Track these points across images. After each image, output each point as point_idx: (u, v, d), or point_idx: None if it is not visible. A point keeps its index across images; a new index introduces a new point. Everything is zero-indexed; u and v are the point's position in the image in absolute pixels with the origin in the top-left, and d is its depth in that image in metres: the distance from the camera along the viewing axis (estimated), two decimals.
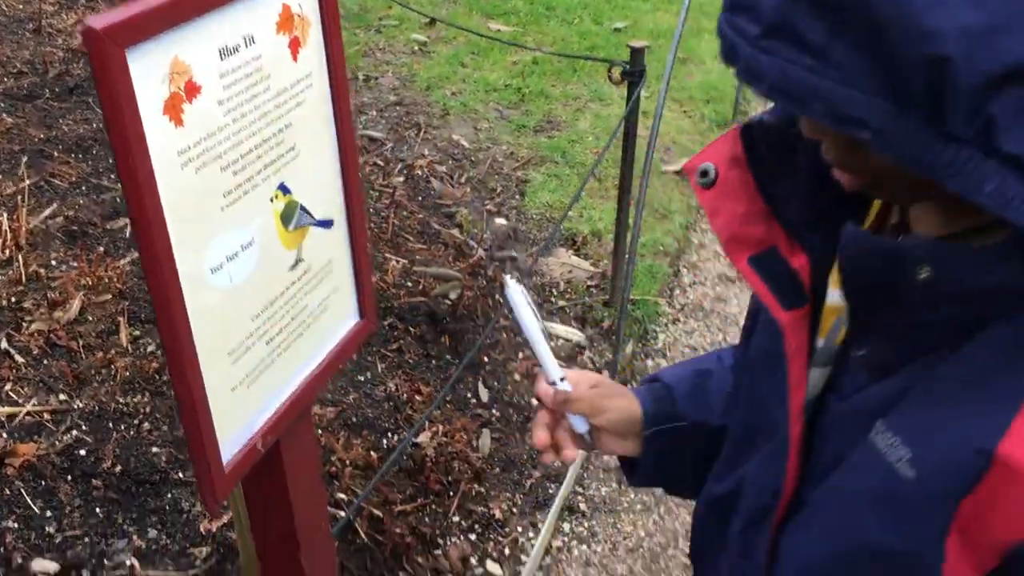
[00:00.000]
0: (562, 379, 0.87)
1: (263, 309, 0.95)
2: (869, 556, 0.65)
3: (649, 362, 2.53)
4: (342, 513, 1.77)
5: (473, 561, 1.88)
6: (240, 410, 0.95)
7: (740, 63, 0.56)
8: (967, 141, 0.51)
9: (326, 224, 1.05)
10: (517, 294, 0.87)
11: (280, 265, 0.97)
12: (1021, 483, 0.56)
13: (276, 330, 0.98)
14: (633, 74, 2.20)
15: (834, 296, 0.71)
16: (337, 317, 1.10)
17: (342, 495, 1.83)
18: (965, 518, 0.59)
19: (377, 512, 1.83)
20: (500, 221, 2.84)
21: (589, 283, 2.63)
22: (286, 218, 0.96)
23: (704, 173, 0.73)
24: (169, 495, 1.72)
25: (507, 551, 1.91)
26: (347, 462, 1.87)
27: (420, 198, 2.84)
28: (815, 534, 0.71)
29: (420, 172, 2.96)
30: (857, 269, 0.64)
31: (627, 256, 2.36)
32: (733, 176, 0.73)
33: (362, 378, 2.08)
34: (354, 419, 1.97)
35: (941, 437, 0.60)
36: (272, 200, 0.93)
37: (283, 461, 1.05)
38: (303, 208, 0.99)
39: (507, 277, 0.90)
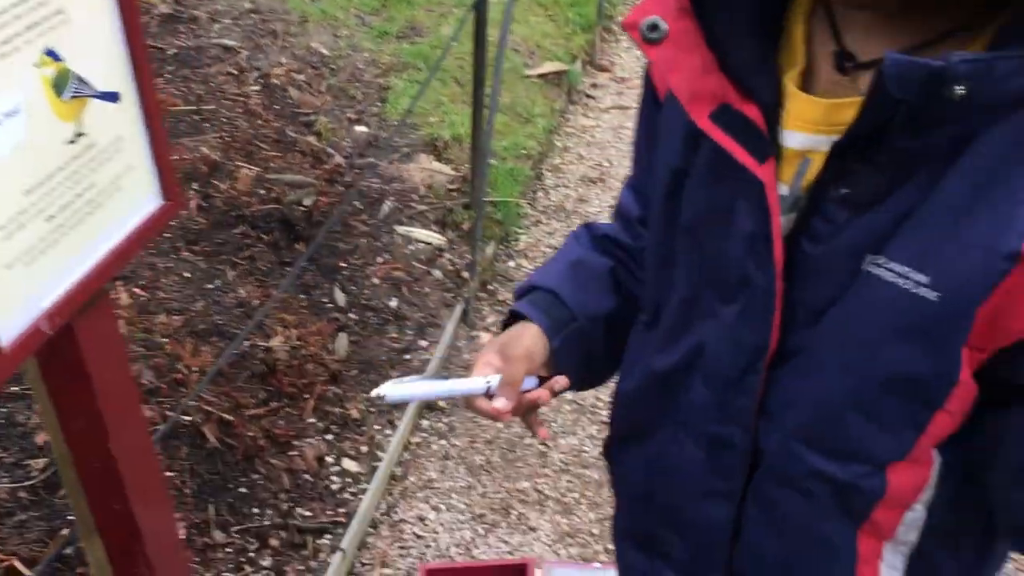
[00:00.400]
0: (488, 383, 0.82)
1: (39, 183, 0.91)
2: (897, 384, 0.67)
3: (511, 263, 2.55)
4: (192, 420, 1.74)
5: (329, 460, 1.88)
6: (19, 289, 0.91)
7: None
8: None
9: (110, 97, 1.00)
10: (397, 394, 0.82)
11: (55, 137, 0.92)
12: None
13: (56, 207, 0.94)
14: None
15: (796, 140, 0.69)
16: (134, 197, 1.06)
17: (193, 403, 1.80)
18: (980, 324, 0.63)
19: (228, 416, 1.81)
20: (361, 128, 2.79)
21: (450, 187, 2.62)
22: (58, 87, 0.91)
23: (653, 27, 0.71)
24: (4, 409, 1.67)
25: (364, 448, 1.92)
26: (194, 368, 1.83)
27: (277, 107, 2.76)
28: (824, 375, 0.71)
29: (277, 81, 2.87)
30: (901, 88, 0.60)
31: (483, 158, 2.35)
32: (683, 27, 0.71)
33: (211, 286, 2.04)
34: (202, 326, 1.93)
35: (957, 253, 0.62)
36: (38, 66, 0.88)
37: (80, 347, 1.01)
38: (79, 78, 0.94)
39: (376, 392, 0.84)
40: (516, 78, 3.13)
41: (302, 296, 2.17)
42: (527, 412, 0.87)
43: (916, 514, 0.75)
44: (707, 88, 0.70)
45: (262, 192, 2.31)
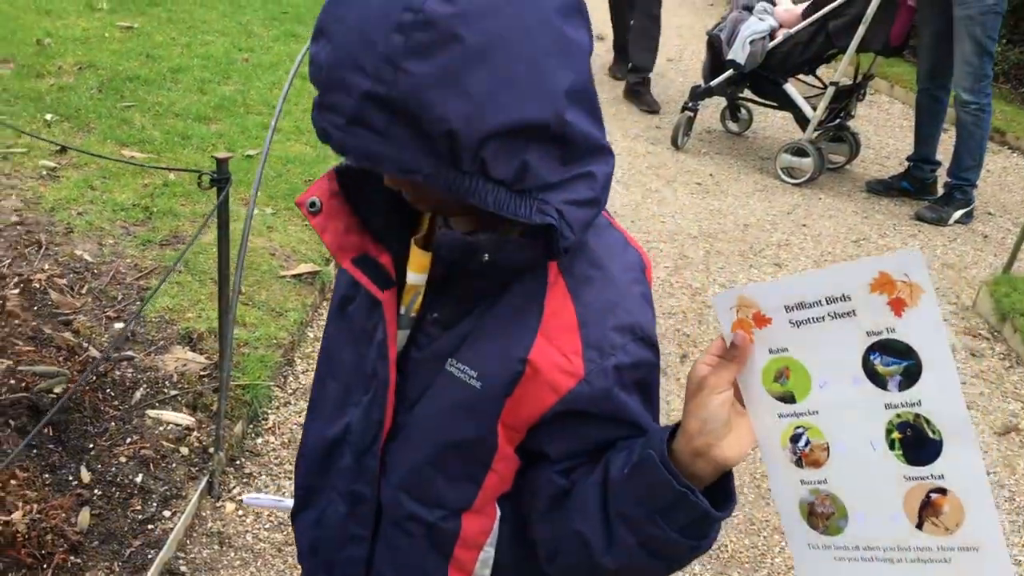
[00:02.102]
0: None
1: None
2: (455, 447, 1.02)
3: (259, 440, 2.78)
4: None
5: None
6: None
7: (333, 142, 0.85)
8: (473, 174, 0.85)
9: None
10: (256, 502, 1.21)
11: None
12: (540, 377, 0.96)
13: None
14: (220, 181, 2.52)
15: (413, 278, 1.03)
16: None
17: None
18: (507, 411, 0.99)
19: None
20: (119, 325, 3.00)
21: (202, 373, 2.86)
22: None
23: (312, 204, 1.02)
24: None
25: None
26: None
27: (35, 308, 2.94)
28: (415, 442, 1.04)
29: (38, 285, 3.07)
30: (447, 255, 0.96)
31: (229, 344, 2.62)
32: (334, 204, 1.02)
33: None
34: None
35: (494, 357, 0.97)
36: None
37: None
38: None
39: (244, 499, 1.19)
40: (272, 278, 3.46)
41: (47, 475, 2.31)
42: None
43: (486, 554, 1.09)
44: (349, 242, 1.03)
45: (12, 383, 2.47)
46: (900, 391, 0.83)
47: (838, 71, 5.16)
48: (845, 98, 5.31)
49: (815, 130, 5.23)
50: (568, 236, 0.91)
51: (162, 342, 2.97)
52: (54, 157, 4.08)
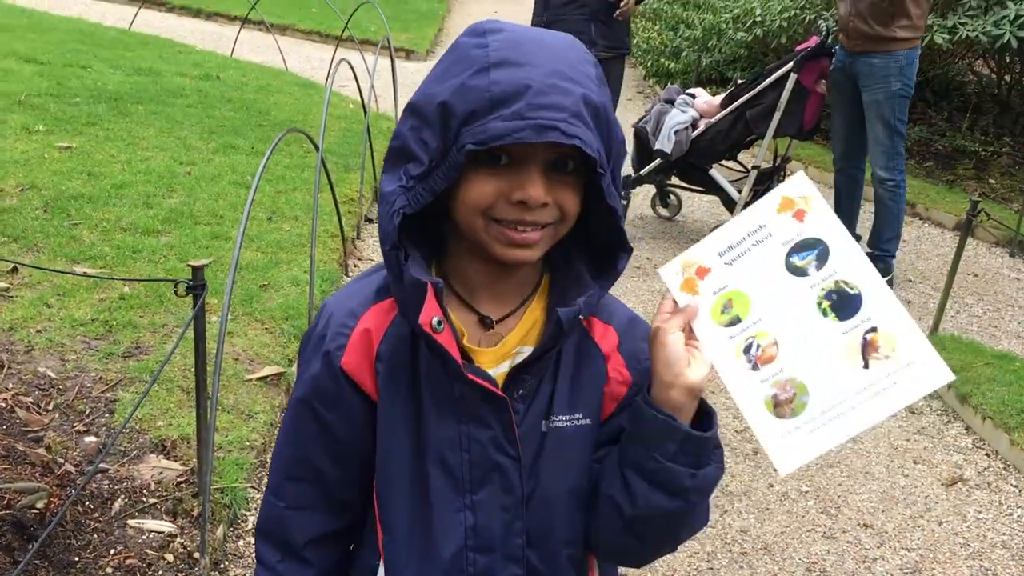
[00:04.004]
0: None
1: None
2: (583, 485, 1.21)
3: (240, 542, 2.80)
4: None
5: None
6: None
7: (556, 132, 1.00)
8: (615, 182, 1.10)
9: None
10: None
11: None
12: (609, 392, 1.22)
13: None
14: (195, 288, 2.60)
15: (495, 372, 1.15)
16: None
17: None
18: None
19: None
20: (90, 439, 3.01)
21: (179, 480, 2.87)
22: None
23: (439, 323, 1.07)
24: None
25: None
26: None
27: (4, 427, 2.94)
28: (551, 503, 1.18)
29: (4, 404, 3.06)
30: (569, 327, 1.11)
31: (208, 451, 2.67)
32: (445, 322, 1.09)
33: None
34: None
35: (588, 393, 1.18)
36: None
37: None
38: None
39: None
40: (238, 382, 3.51)
41: None
42: None
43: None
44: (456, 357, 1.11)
45: None
46: (818, 271, 1.08)
47: (758, 155, 5.50)
48: (767, 180, 5.64)
49: (741, 210, 5.52)
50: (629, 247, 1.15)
51: (135, 452, 2.99)
52: (6, 277, 4.09)
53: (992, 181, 7.33)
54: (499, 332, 1.18)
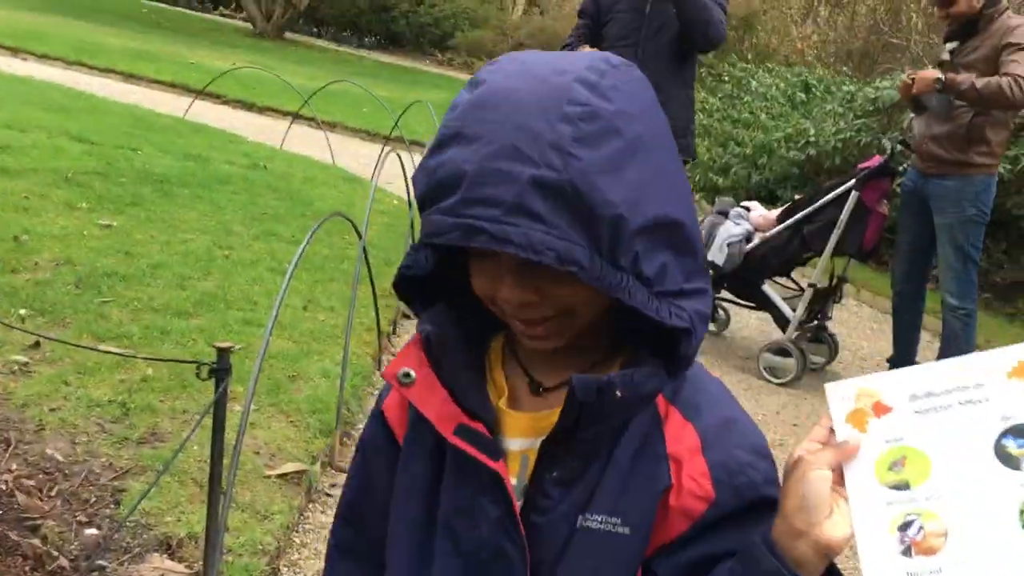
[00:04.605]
0: None
1: None
2: None
3: None
4: None
5: None
6: None
7: (489, 234, 0.83)
8: (625, 270, 0.87)
9: None
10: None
11: None
12: (676, 505, 0.96)
13: None
14: (219, 371, 2.39)
15: (518, 444, 1.00)
16: None
17: None
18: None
19: None
20: (91, 531, 2.76)
21: None
22: None
23: (407, 375, 0.98)
24: None
25: None
26: None
27: (1, 512, 2.70)
28: None
29: (4, 487, 2.83)
30: (584, 397, 0.91)
31: (216, 553, 2.41)
32: (424, 373, 0.99)
33: None
34: None
35: (635, 498, 0.95)
36: None
37: None
38: None
39: None
40: (256, 478, 3.26)
41: None
42: None
43: None
44: (447, 413, 0.98)
45: None
46: None
47: (815, 273, 5.27)
48: (822, 300, 5.39)
49: (795, 330, 5.27)
50: (695, 345, 0.93)
51: (138, 549, 2.73)
52: (28, 352, 3.91)
53: None
54: (550, 401, 1.02)
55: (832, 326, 5.86)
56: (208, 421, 2.43)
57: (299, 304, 5.04)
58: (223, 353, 2.43)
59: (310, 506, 3.34)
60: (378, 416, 1.14)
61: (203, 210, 6.55)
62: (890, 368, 5.24)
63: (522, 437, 1.00)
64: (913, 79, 4.49)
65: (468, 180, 0.84)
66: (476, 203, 0.84)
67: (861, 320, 6.83)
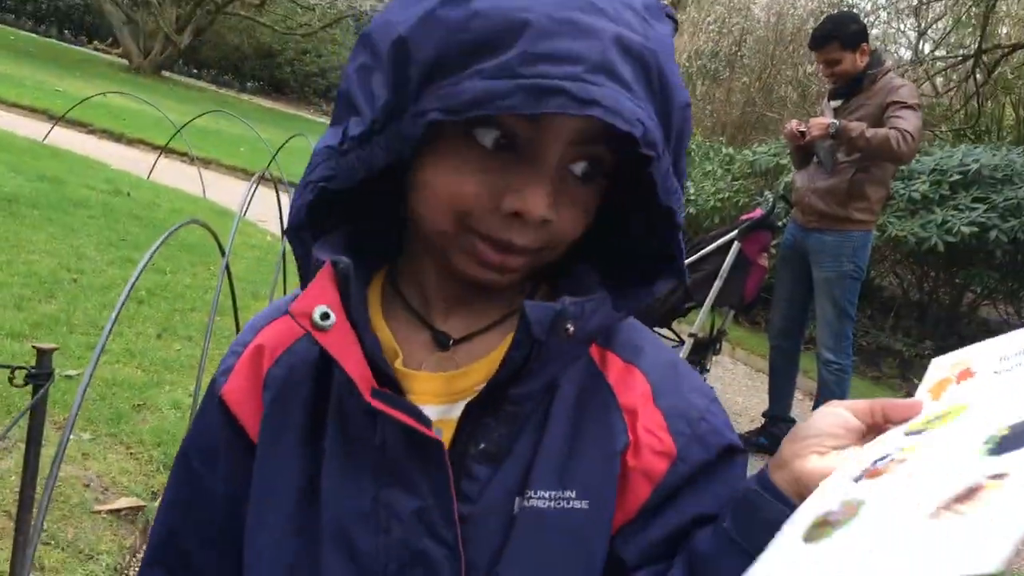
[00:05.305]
0: None
1: None
2: None
3: None
4: None
5: None
6: None
7: (562, 97, 0.64)
8: (681, 174, 0.74)
9: None
10: None
11: None
12: (637, 466, 0.77)
13: None
14: (38, 376, 2.05)
15: (435, 411, 0.77)
16: None
17: None
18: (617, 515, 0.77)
19: None
20: None
21: None
22: None
23: (325, 316, 0.72)
24: None
25: None
26: None
27: None
28: None
29: None
30: (539, 330, 0.72)
31: None
32: (341, 318, 0.74)
33: None
34: None
35: (590, 463, 0.76)
36: None
37: None
38: None
39: None
40: (83, 513, 2.87)
41: None
42: None
43: None
44: (362, 372, 0.74)
45: None
46: None
47: (696, 324, 5.22)
48: (703, 350, 5.34)
49: None
50: (664, 282, 0.79)
51: None
52: None
53: (915, 380, 7.21)
54: (458, 360, 0.81)
55: (708, 380, 5.82)
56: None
57: (153, 333, 4.64)
58: (44, 356, 2.09)
59: (142, 547, 2.96)
60: (216, 406, 0.87)
61: (53, 232, 6.05)
62: (764, 421, 5.24)
63: (433, 404, 0.78)
64: (803, 129, 4.53)
65: (532, 31, 0.65)
66: (545, 59, 0.65)
67: (736, 377, 6.84)
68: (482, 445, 0.76)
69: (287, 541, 0.78)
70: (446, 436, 0.76)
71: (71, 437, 3.17)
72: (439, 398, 0.79)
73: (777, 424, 5.18)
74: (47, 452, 2.15)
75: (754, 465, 4.21)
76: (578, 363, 0.80)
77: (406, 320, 0.83)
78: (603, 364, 0.82)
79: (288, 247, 3.91)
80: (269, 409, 0.81)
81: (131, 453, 3.34)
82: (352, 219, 0.80)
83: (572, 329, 0.73)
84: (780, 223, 5.46)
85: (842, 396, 4.85)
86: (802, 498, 0.69)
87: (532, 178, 0.71)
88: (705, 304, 5.12)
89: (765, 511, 0.71)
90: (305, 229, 0.76)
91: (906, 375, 7.24)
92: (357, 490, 0.76)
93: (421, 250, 0.82)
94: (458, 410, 0.77)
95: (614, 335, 0.83)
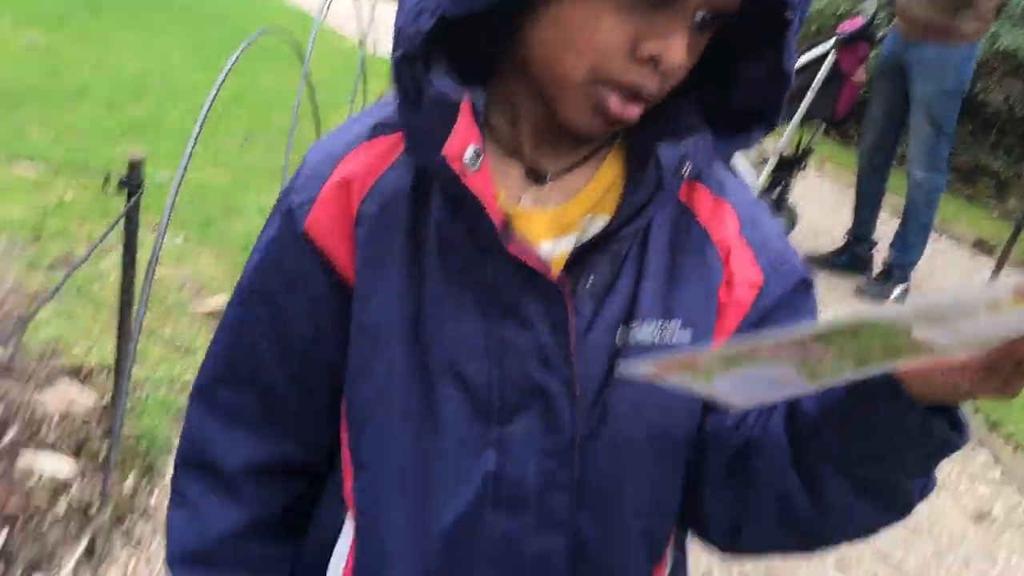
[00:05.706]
0: None
1: None
2: (672, 432, 0.80)
3: (153, 498, 2.34)
4: None
5: None
6: None
7: None
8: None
9: None
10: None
11: None
12: (732, 296, 0.79)
13: None
14: (131, 185, 2.13)
15: (551, 247, 0.77)
16: None
17: None
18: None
19: None
20: None
21: (89, 416, 2.41)
22: None
23: (478, 154, 0.70)
24: None
25: None
26: None
27: None
28: (619, 454, 0.78)
29: None
30: (670, 174, 0.73)
31: (125, 385, 2.21)
32: (484, 158, 0.71)
33: None
34: None
35: (694, 293, 0.78)
36: None
37: None
38: None
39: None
40: (180, 313, 3.05)
41: None
42: None
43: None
44: (499, 218, 0.73)
45: None
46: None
47: (781, 140, 5.06)
48: (786, 169, 5.21)
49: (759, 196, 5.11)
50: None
51: (45, 376, 2.52)
52: None
53: (1012, 201, 6.96)
54: (554, 194, 0.79)
55: (792, 197, 5.71)
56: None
57: (239, 136, 4.73)
58: (135, 166, 2.17)
59: None
60: (297, 238, 0.80)
61: (138, 34, 6.09)
62: (846, 240, 5.15)
63: (544, 239, 0.77)
64: None
65: None
66: None
67: (822, 194, 6.68)
68: (590, 281, 0.76)
69: (400, 377, 0.78)
70: (553, 272, 0.75)
71: (165, 240, 3.33)
72: (547, 236, 0.77)
73: (860, 244, 5.09)
74: (143, 256, 2.27)
75: (831, 284, 4.21)
76: (674, 207, 0.81)
77: (495, 152, 0.78)
78: (691, 200, 0.81)
79: (366, 55, 3.84)
80: (366, 246, 0.78)
81: (221, 255, 3.50)
82: (455, 48, 0.72)
83: (687, 171, 0.74)
84: (880, 35, 5.15)
85: (929, 217, 4.72)
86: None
87: (674, 23, 0.69)
88: (794, 119, 4.93)
89: (907, 420, 0.67)
90: (419, 59, 0.70)
91: (1001, 195, 6.98)
92: (466, 325, 0.76)
93: (518, 83, 0.76)
94: (562, 246, 0.77)
95: (706, 172, 0.82)
